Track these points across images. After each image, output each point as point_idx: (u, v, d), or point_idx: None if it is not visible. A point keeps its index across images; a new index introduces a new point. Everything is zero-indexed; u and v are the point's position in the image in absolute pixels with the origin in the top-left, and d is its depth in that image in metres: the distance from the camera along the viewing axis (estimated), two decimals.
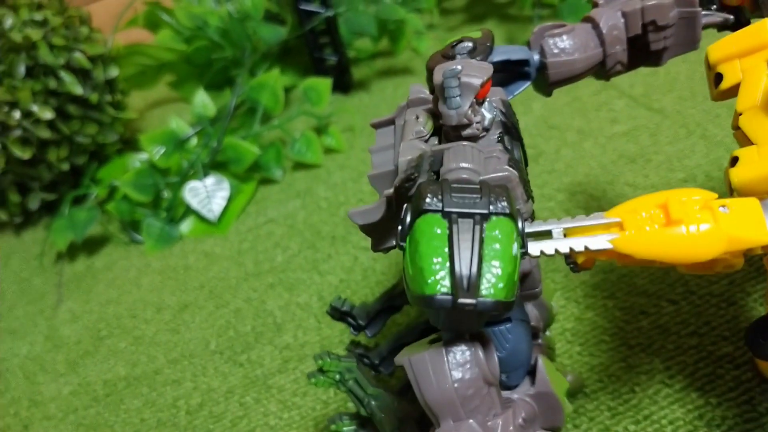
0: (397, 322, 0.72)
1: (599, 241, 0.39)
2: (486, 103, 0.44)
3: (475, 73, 0.42)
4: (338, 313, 0.63)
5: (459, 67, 0.42)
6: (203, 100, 1.08)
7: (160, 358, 0.83)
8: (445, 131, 0.44)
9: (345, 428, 0.56)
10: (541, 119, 1.02)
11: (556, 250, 0.39)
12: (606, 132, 0.96)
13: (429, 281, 0.34)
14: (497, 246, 0.35)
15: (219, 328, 0.84)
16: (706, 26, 0.53)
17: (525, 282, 0.49)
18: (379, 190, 0.46)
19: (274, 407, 0.72)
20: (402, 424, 0.52)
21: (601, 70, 0.54)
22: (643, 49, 0.53)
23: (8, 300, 1.01)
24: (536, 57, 0.52)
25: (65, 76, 1.00)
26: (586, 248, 0.39)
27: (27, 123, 0.98)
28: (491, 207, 0.35)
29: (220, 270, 0.94)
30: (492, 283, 0.34)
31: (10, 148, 0.98)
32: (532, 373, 0.50)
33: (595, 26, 0.52)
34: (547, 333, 0.64)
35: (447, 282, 0.34)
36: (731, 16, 0.53)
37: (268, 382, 0.75)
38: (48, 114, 0.98)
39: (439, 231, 0.35)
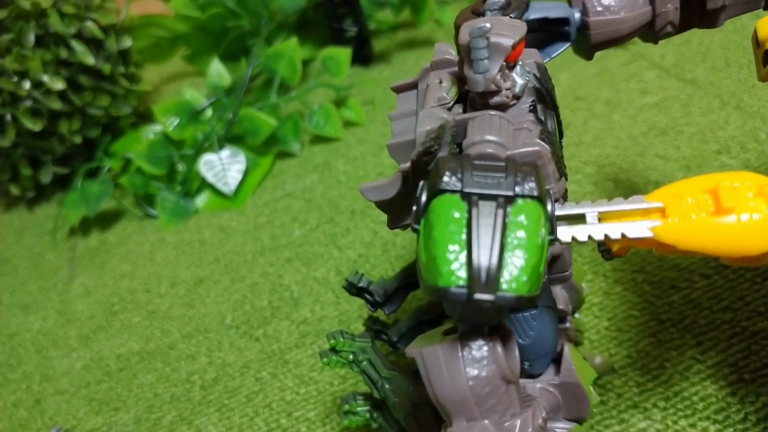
0: (418, 297, 0.70)
1: (639, 229, 0.35)
2: (518, 66, 0.40)
3: (507, 32, 0.38)
4: (355, 289, 0.61)
5: (488, 25, 0.37)
6: (218, 70, 1.05)
7: (175, 332, 0.81)
8: (471, 98, 0.40)
9: (359, 408, 0.54)
10: (568, 90, 0.99)
11: (590, 237, 0.35)
12: (636, 103, 0.92)
13: (443, 272, 0.30)
14: (522, 233, 0.31)
15: (235, 303, 0.82)
16: None
17: (554, 265, 0.45)
18: (399, 161, 0.42)
19: (291, 382, 0.70)
20: (416, 409, 0.49)
21: (649, 32, 0.48)
22: (697, 8, 0.48)
23: (21, 275, 0.99)
24: (577, 15, 0.47)
25: (77, 45, 0.98)
26: (624, 236, 0.35)
27: (37, 93, 0.96)
28: (517, 188, 0.31)
29: (236, 244, 0.92)
30: (514, 276, 0.30)
31: (21, 120, 0.95)
32: (557, 360, 0.46)
33: None
34: (576, 315, 0.61)
35: (463, 273, 0.30)
36: None
37: (284, 357, 0.73)
38: (59, 84, 0.96)
39: (457, 215, 0.31)
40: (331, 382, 0.68)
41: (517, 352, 0.36)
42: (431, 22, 1.24)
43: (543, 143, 0.37)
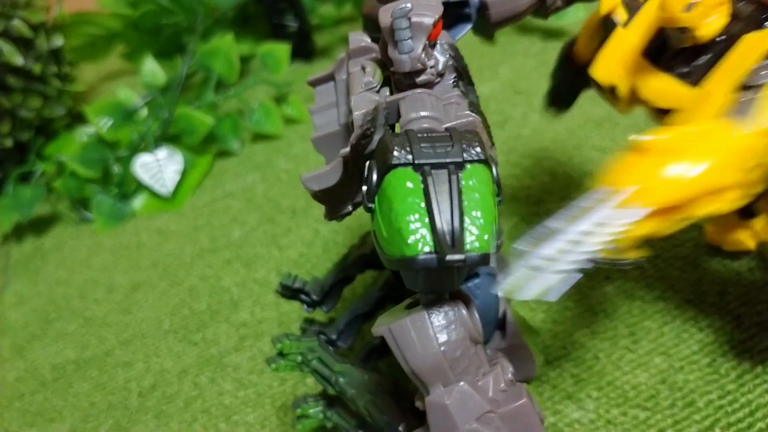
0: (356, 293, 0.69)
1: (625, 215, 0.36)
2: (438, 45, 0.41)
3: (426, 11, 0.39)
4: (290, 291, 0.60)
5: (409, 5, 0.38)
6: (152, 68, 1.03)
7: (111, 339, 0.79)
8: (396, 80, 0.41)
9: (311, 410, 0.53)
10: (507, 84, 0.99)
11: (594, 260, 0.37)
12: None
13: (409, 242, 0.32)
14: (476, 195, 0.33)
15: (173, 307, 0.80)
16: None
17: None
18: (326, 154, 0.43)
19: (230, 386, 0.69)
20: (375, 397, 0.49)
21: (542, 8, 0.51)
22: None
23: None
24: None
25: (3, 45, 0.94)
26: (613, 233, 0.36)
27: None
28: (465, 155, 0.33)
29: (174, 247, 0.90)
30: (477, 236, 0.32)
31: None
32: (501, 326, 0.48)
33: None
34: None
35: (429, 240, 0.32)
36: None
37: (223, 361, 0.72)
38: None
39: (411, 185, 0.33)
40: (270, 385, 0.67)
41: (477, 314, 0.38)
42: None
43: (474, 114, 0.39)
